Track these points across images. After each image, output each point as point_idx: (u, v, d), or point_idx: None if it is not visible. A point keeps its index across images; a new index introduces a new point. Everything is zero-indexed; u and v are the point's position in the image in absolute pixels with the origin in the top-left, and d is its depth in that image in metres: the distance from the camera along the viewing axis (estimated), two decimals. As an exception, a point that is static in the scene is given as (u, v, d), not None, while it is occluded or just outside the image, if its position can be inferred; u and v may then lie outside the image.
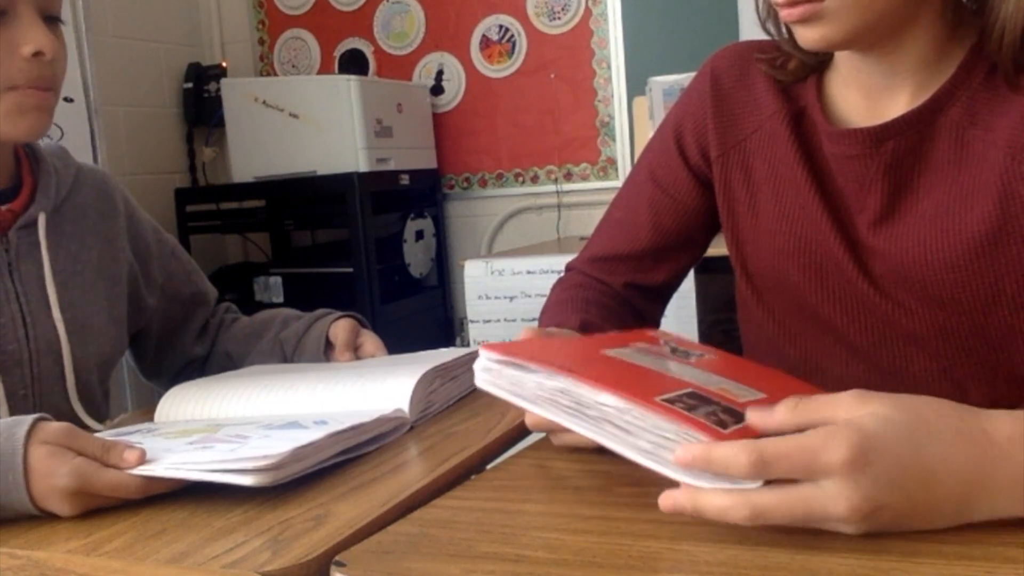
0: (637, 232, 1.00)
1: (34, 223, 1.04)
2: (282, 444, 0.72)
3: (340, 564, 0.57)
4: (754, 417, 0.57)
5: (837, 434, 0.51)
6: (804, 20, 0.78)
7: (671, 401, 0.59)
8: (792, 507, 0.52)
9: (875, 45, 0.82)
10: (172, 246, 1.27)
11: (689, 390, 0.63)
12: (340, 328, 1.16)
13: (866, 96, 0.87)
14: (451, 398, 0.99)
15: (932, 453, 0.53)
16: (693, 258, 1.03)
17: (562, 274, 1.08)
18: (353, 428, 0.80)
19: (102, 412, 1.13)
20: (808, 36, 0.79)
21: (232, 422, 0.87)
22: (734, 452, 0.52)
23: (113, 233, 1.15)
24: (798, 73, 0.91)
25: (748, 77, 0.95)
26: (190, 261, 1.29)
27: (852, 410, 0.54)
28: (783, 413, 0.55)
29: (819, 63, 0.91)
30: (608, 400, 0.60)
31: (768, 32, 0.92)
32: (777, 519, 0.52)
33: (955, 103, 0.81)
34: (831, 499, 0.51)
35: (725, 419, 0.58)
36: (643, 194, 1.01)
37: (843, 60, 0.88)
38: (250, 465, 0.69)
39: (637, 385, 0.63)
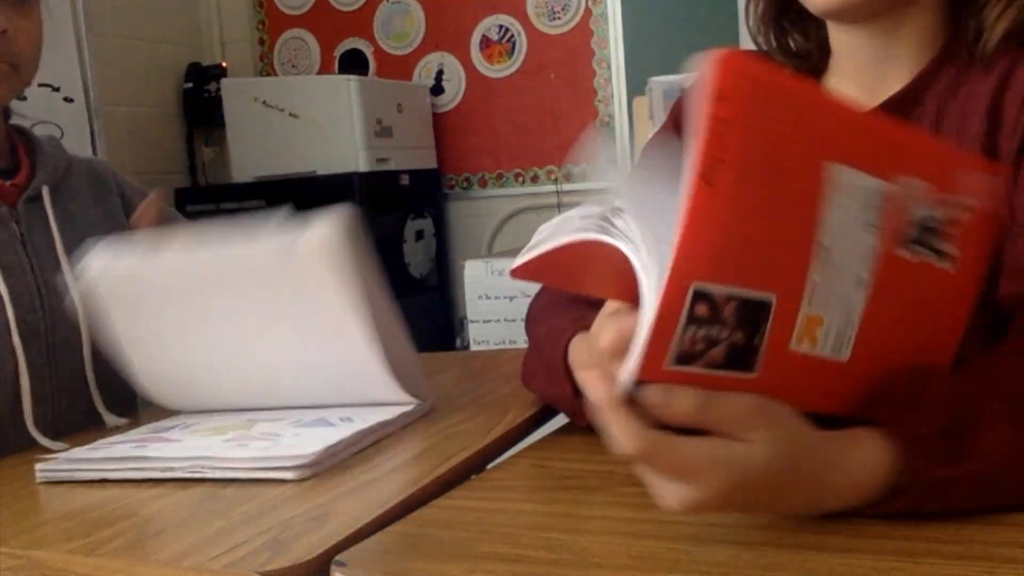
0: None
1: (39, 196, 1.09)
2: (313, 443, 0.79)
3: (340, 564, 0.57)
4: (656, 397, 0.49)
5: (719, 465, 0.50)
6: None
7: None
8: (643, 473, 0.51)
9: (881, 13, 0.82)
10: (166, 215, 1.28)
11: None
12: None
13: (861, 84, 0.87)
14: None
15: (784, 493, 0.53)
16: None
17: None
18: (380, 424, 0.86)
19: (125, 388, 1.14)
20: (824, 1, 0.80)
21: (264, 418, 0.92)
22: (628, 431, 0.49)
23: (111, 212, 1.19)
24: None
25: None
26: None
27: (747, 431, 0.51)
28: (687, 406, 0.49)
29: (812, 67, 0.91)
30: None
31: (758, 45, 0.93)
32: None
33: (940, 80, 0.82)
34: (671, 495, 0.51)
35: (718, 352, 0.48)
36: None
37: (841, 45, 0.88)
38: (290, 463, 0.75)
39: None
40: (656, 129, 1.04)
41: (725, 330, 0.47)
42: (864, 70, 0.86)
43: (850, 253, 0.50)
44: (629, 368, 0.47)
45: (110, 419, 1.04)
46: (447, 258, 3.24)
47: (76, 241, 1.10)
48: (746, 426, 0.50)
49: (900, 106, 0.83)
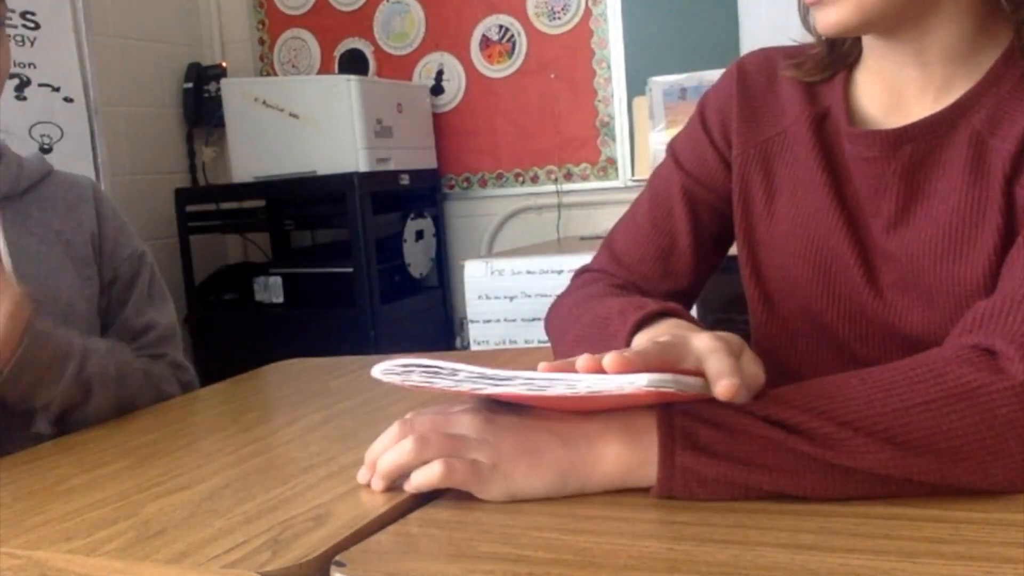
0: (673, 224, 0.98)
1: None
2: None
3: (340, 564, 0.57)
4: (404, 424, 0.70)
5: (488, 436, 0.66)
6: (820, 1, 0.78)
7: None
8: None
9: (896, 30, 0.80)
10: (134, 256, 1.25)
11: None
12: None
13: (892, 91, 0.85)
14: None
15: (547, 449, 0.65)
16: (720, 257, 1.02)
17: (579, 279, 1.04)
18: None
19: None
20: (825, 20, 0.79)
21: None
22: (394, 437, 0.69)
23: (80, 220, 1.21)
24: (824, 70, 0.90)
25: (775, 83, 0.94)
26: (148, 288, 1.25)
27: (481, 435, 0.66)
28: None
29: (845, 56, 0.90)
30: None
31: (807, 27, 0.91)
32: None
33: (979, 110, 0.79)
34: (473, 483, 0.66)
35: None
36: (673, 183, 0.99)
37: (871, 51, 0.87)
38: None
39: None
40: (686, 128, 1.02)
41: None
42: (895, 75, 0.85)
43: None
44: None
45: (41, 424, 1.04)
46: (447, 258, 3.24)
47: (35, 244, 1.15)
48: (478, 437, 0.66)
49: (933, 128, 0.81)
